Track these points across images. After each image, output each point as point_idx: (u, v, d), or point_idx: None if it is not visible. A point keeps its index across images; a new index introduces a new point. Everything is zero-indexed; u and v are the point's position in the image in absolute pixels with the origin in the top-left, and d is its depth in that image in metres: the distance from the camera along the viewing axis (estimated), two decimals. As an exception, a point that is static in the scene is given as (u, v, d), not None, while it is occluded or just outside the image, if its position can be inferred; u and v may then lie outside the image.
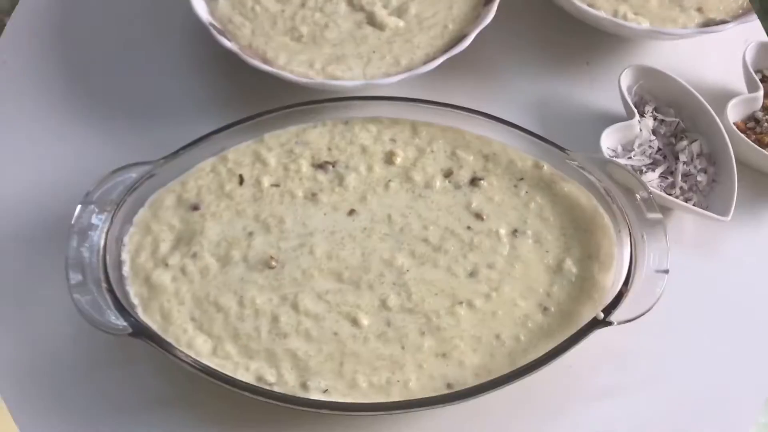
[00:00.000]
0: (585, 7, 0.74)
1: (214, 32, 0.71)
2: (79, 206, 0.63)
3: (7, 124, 0.75)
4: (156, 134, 0.74)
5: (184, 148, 0.66)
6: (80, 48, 0.79)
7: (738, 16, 0.76)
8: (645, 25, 0.75)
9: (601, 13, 0.74)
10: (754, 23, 0.75)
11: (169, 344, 0.60)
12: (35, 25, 0.81)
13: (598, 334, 0.61)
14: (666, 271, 0.62)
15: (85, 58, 0.79)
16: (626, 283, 0.62)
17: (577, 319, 0.62)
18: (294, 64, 0.72)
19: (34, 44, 0.80)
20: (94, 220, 0.63)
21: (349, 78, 0.71)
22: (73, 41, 0.80)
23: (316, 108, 0.69)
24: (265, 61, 0.72)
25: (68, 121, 0.75)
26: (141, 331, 0.59)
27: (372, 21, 0.74)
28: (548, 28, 0.81)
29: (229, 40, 0.72)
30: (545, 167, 0.69)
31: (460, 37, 0.73)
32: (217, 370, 0.59)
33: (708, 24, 0.75)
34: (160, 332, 0.61)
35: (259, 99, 0.74)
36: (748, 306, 0.69)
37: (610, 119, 0.77)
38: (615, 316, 0.60)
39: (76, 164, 0.72)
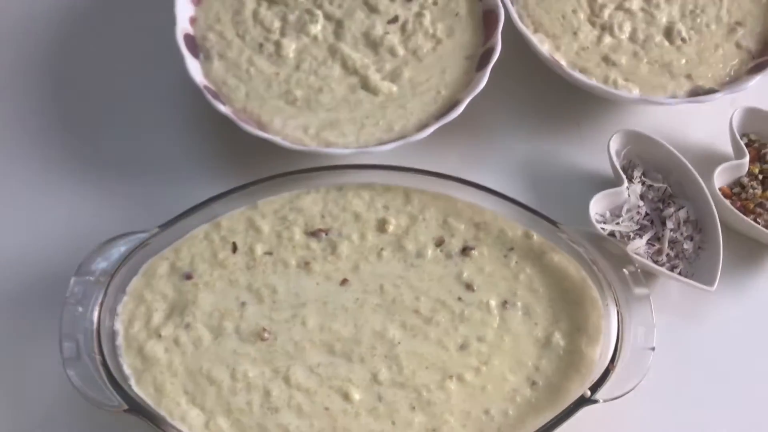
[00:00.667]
0: (576, 74, 0.75)
1: (209, 96, 0.71)
2: (72, 278, 0.63)
3: (-1, 184, 0.76)
4: (149, 195, 0.74)
5: (178, 217, 0.67)
6: (73, 107, 0.79)
7: (726, 83, 0.77)
8: (635, 92, 0.76)
9: (593, 81, 0.75)
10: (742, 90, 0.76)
11: (163, 420, 0.60)
12: (28, 84, 0.81)
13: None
14: (652, 349, 0.63)
15: (78, 118, 0.79)
16: (613, 359, 0.63)
17: (565, 394, 0.63)
18: (288, 129, 0.72)
19: (28, 102, 0.80)
20: (88, 291, 0.63)
21: (342, 144, 0.72)
22: (66, 100, 0.80)
23: (310, 175, 0.70)
24: (260, 125, 0.72)
25: (61, 181, 0.75)
26: (136, 408, 0.60)
27: (366, 85, 0.74)
28: (540, 90, 0.81)
29: (223, 103, 0.72)
30: (535, 237, 0.69)
31: (453, 103, 0.74)
32: (211, 448, 0.60)
33: (697, 91, 0.76)
34: (153, 405, 0.61)
35: (254, 161, 0.74)
36: (734, 374, 0.70)
37: (600, 179, 0.78)
38: (601, 394, 0.62)
39: (70, 225, 0.73)
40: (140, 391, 0.62)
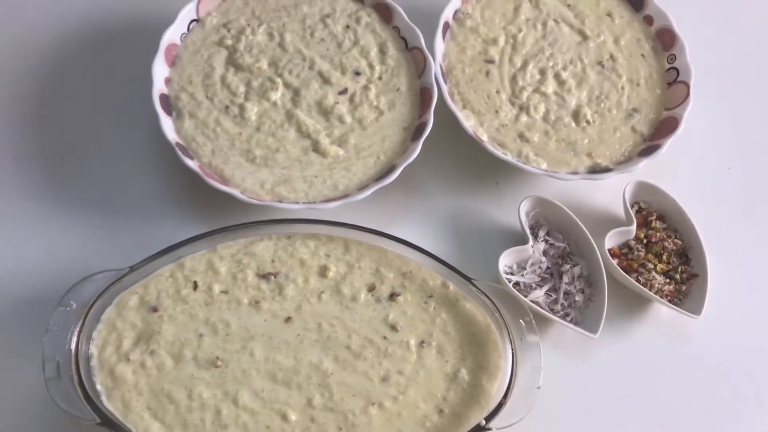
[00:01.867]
0: (494, 150, 0.88)
1: (179, 152, 0.82)
2: (56, 310, 0.74)
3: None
4: (124, 234, 0.85)
5: (147, 259, 0.78)
6: (57, 153, 0.89)
7: (620, 162, 0.91)
8: (543, 167, 0.89)
9: (507, 156, 0.89)
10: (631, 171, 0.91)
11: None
12: (17, 129, 0.90)
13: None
14: (539, 388, 0.77)
15: (61, 164, 0.89)
16: (505, 395, 0.76)
17: (466, 421, 0.76)
18: (247, 183, 0.84)
19: (16, 146, 0.89)
20: (68, 320, 0.74)
21: (293, 199, 0.84)
22: (50, 146, 0.90)
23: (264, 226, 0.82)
24: (223, 178, 0.84)
25: (45, 217, 0.86)
26: (107, 422, 0.71)
27: (317, 148, 0.86)
28: (466, 157, 0.94)
29: (191, 158, 0.84)
30: (451, 287, 0.82)
31: (390, 167, 0.86)
32: (168, 457, 0.72)
33: (595, 168, 0.91)
34: (121, 418, 0.73)
35: (217, 209, 0.86)
36: (614, 406, 0.84)
37: (511, 234, 0.92)
38: (494, 423, 0.75)
39: (51, 257, 0.84)
40: (110, 406, 0.73)
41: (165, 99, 0.86)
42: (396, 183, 0.86)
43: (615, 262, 0.89)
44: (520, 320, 0.80)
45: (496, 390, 0.78)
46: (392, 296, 0.82)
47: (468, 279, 0.81)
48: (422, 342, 0.80)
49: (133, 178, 0.88)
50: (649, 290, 0.88)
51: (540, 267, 0.89)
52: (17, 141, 0.90)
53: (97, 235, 0.85)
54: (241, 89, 0.88)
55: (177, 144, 0.83)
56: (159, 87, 0.85)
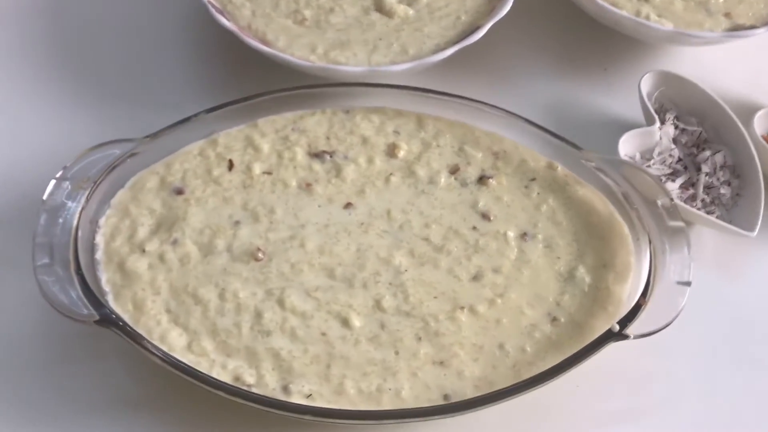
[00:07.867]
0: (607, 5, 0.70)
1: (213, 10, 0.67)
2: (52, 181, 0.58)
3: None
4: (144, 113, 0.70)
5: (170, 127, 0.62)
6: (69, 20, 0.76)
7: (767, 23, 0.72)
8: (669, 26, 0.71)
9: (624, 13, 0.70)
10: (784, 31, 0.71)
11: (139, 335, 0.54)
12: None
13: (611, 353, 0.56)
14: (688, 284, 0.57)
15: (73, 30, 0.76)
16: (644, 294, 0.57)
17: (590, 332, 0.57)
18: (294, 48, 0.68)
19: (21, 15, 0.76)
20: (69, 197, 0.58)
21: (352, 64, 0.67)
22: (62, 13, 0.77)
23: (316, 93, 0.65)
24: (265, 42, 0.68)
25: (51, 95, 0.72)
26: (108, 320, 0.53)
27: (380, 7, 0.70)
28: (565, 27, 0.78)
29: (227, 19, 0.68)
30: (559, 168, 0.64)
31: (472, 29, 0.69)
32: (190, 367, 0.53)
33: (736, 29, 0.71)
34: (130, 322, 0.55)
35: (256, 83, 0.69)
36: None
37: (627, 126, 0.72)
38: (631, 330, 0.55)
39: (57, 140, 0.68)
40: (118, 307, 0.56)
41: (197, -42, 0.71)
42: (481, 51, 0.69)
43: (769, 148, 0.69)
44: (657, 201, 0.60)
45: (627, 294, 0.59)
46: (482, 179, 0.63)
47: (578, 148, 0.63)
48: (524, 234, 0.61)
49: (156, 50, 0.74)
50: (818, 182, 0.67)
51: (671, 156, 0.69)
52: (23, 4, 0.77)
53: (113, 116, 0.70)
54: (288, -56, 0.73)
55: (209, 3, 0.68)
56: (190, -56, 0.71)
